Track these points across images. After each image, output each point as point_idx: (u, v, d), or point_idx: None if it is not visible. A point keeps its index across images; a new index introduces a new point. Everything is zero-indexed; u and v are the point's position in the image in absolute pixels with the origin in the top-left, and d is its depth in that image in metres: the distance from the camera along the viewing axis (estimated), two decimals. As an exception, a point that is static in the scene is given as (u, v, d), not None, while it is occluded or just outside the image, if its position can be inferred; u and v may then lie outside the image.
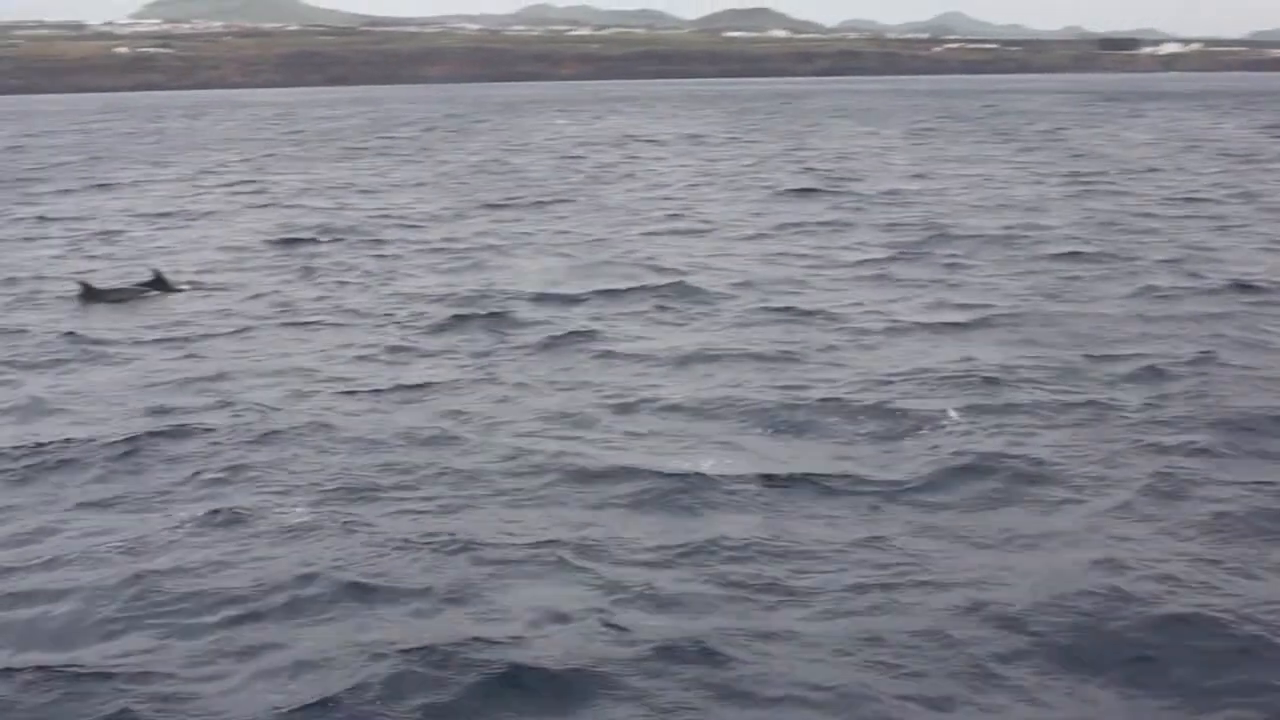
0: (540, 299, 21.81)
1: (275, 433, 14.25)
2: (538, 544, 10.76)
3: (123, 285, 24.28)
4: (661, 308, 20.99)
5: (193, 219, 36.50)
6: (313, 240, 30.41)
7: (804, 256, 26.53)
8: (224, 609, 9.73)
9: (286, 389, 16.31)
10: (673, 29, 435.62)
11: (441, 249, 28.67)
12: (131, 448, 13.79)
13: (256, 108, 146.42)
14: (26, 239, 33.13)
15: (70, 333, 20.16)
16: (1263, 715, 8.16)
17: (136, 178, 51.37)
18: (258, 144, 74.20)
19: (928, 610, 9.51)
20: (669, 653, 8.78)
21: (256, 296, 23.25)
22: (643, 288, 22.61)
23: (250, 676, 8.74)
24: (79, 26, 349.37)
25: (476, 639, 8.98)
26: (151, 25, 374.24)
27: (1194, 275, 22.94)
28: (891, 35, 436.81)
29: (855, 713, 8.21)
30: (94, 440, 14.11)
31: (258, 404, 15.55)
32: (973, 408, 14.49)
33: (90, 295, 23.20)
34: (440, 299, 22.08)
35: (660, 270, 24.62)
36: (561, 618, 9.38)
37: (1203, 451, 12.95)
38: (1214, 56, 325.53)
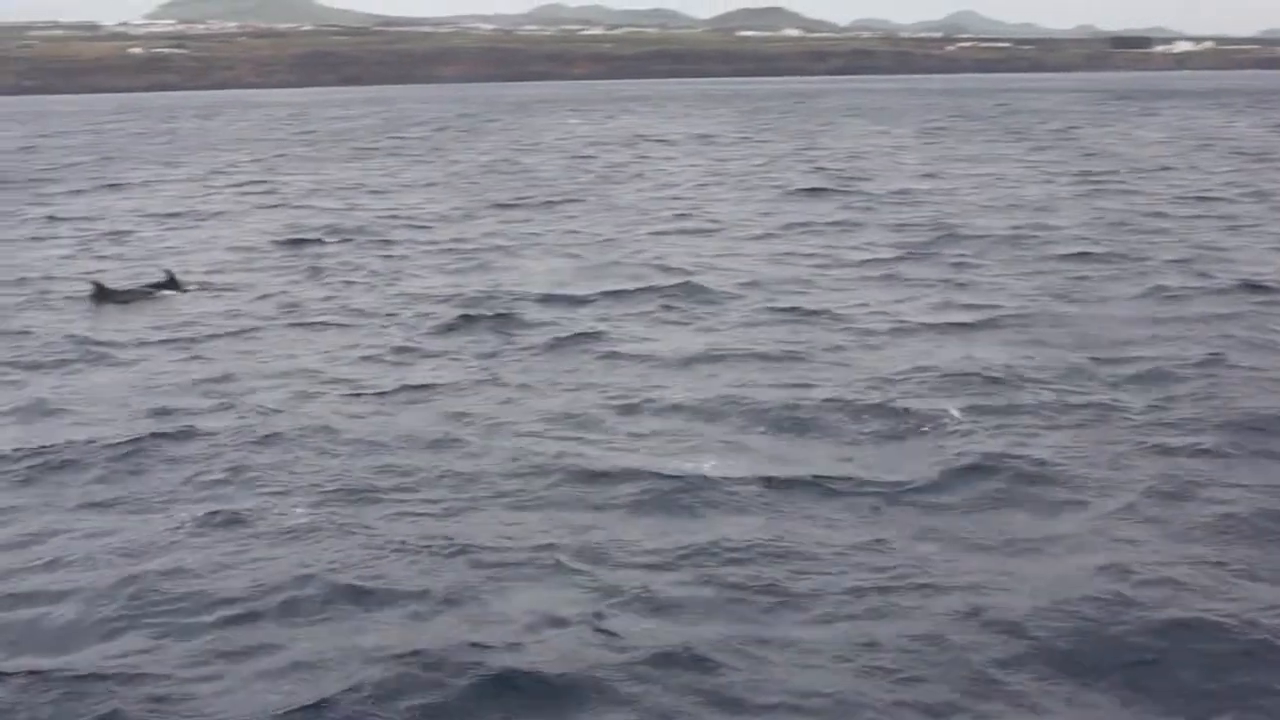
0: (547, 299, 21.77)
1: (277, 434, 14.24)
2: (536, 547, 10.73)
3: (134, 285, 24.32)
4: (668, 308, 20.95)
5: (202, 219, 36.56)
6: (321, 241, 30.41)
7: (812, 256, 26.46)
8: (221, 611, 9.71)
9: (290, 390, 16.30)
10: (686, 28, 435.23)
11: (450, 249, 28.65)
12: (134, 449, 13.80)
13: (270, 108, 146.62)
14: (36, 239, 33.23)
15: (78, 333, 20.22)
16: (1268, 721, 8.08)
17: (147, 178, 51.46)
18: (269, 144, 74.28)
19: (928, 615, 9.44)
20: (664, 659, 8.73)
21: (264, 297, 23.26)
22: (649, 288, 22.56)
23: (246, 678, 8.72)
24: (94, 27, 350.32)
25: (472, 643, 8.95)
26: (166, 26, 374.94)
27: (1204, 275, 22.79)
28: (904, 34, 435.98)
29: (851, 720, 8.15)
30: (97, 441, 14.12)
31: (261, 406, 15.55)
32: (978, 409, 14.41)
33: (102, 295, 23.26)
34: (447, 300, 22.05)
35: (667, 270, 24.57)
36: (557, 622, 9.33)
37: (1209, 453, 12.86)
38: (1226, 55, 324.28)
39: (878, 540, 10.88)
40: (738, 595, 9.80)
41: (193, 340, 19.61)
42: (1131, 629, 9.14)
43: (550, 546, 10.73)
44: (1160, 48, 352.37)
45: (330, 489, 12.34)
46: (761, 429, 14.14)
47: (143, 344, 19.47)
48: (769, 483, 12.21)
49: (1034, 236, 28.18)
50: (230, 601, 9.85)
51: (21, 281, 25.90)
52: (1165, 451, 12.94)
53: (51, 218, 37.61)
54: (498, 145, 68.39)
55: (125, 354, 18.89)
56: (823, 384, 15.84)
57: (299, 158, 62.19)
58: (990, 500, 11.79)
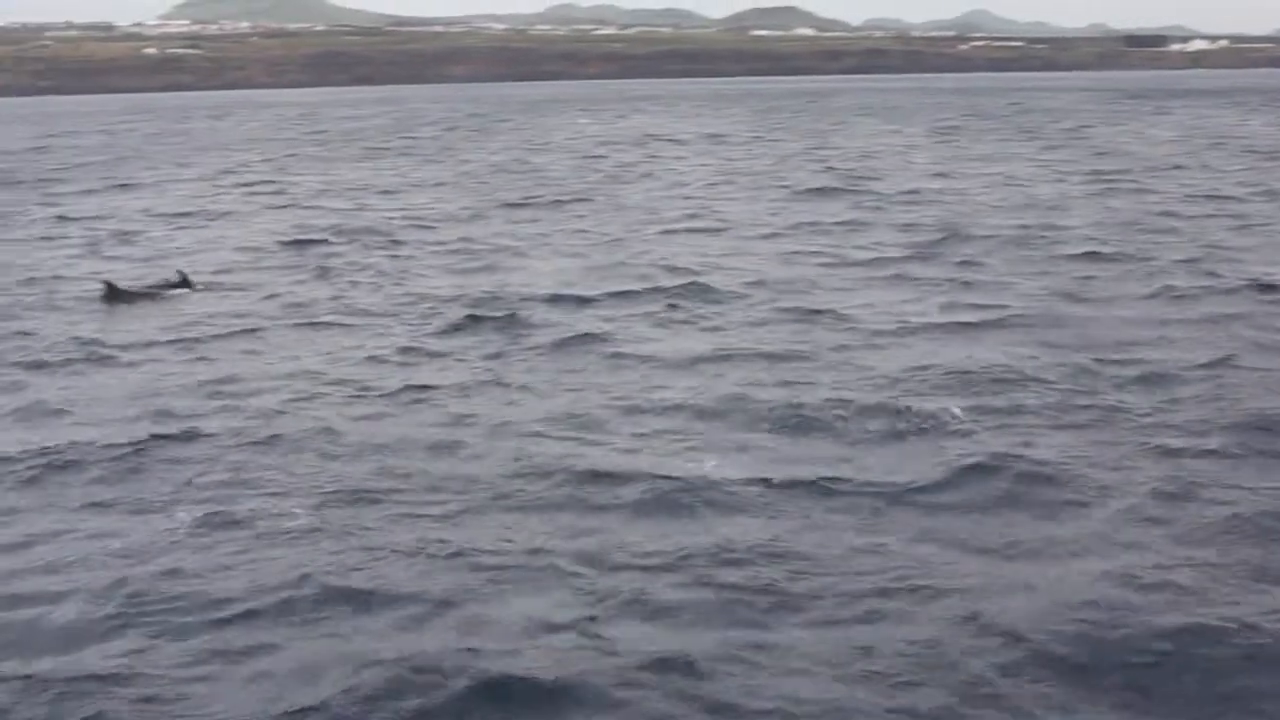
0: (553, 300, 21.72)
1: (279, 436, 14.23)
2: (535, 551, 10.69)
3: (146, 285, 24.35)
4: (673, 308, 20.90)
5: (212, 219, 36.63)
6: (329, 241, 30.40)
7: (820, 256, 26.38)
8: (218, 613, 9.71)
9: (294, 391, 16.29)
10: (698, 28, 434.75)
11: (457, 250, 28.62)
12: (137, 450, 13.80)
13: (281, 108, 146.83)
14: (46, 238, 33.37)
15: (87, 333, 20.31)
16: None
17: (158, 178, 51.55)
18: (280, 144, 74.35)
19: (927, 619, 9.37)
20: (658, 664, 8.68)
21: (271, 297, 23.27)
22: (656, 289, 22.53)
23: (241, 681, 8.72)
24: (108, 28, 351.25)
25: (467, 648, 8.92)
26: (180, 26, 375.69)
27: (1213, 275, 22.65)
28: (917, 33, 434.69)
29: (844, 727, 8.09)
30: (101, 442, 14.13)
31: (264, 407, 15.55)
32: (982, 409, 14.34)
33: (114, 295, 23.31)
34: (453, 300, 22.02)
35: (674, 270, 24.52)
36: (553, 627, 9.28)
37: (1215, 455, 12.78)
38: (1241, 53, 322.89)
39: (878, 542, 10.82)
40: (735, 599, 9.75)
41: (199, 341, 19.61)
42: (1135, 634, 9.05)
43: (549, 550, 10.69)
44: (1175, 46, 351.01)
45: (330, 491, 12.31)
46: (765, 430, 14.08)
47: (150, 344, 19.49)
48: (771, 484, 12.16)
49: (1043, 236, 28.05)
50: (227, 604, 9.84)
51: (31, 281, 25.99)
52: (1171, 453, 12.86)
53: (62, 217, 37.76)
54: (508, 145, 68.37)
55: (132, 355, 18.90)
56: (827, 384, 15.78)
57: (309, 158, 62.23)
58: (993, 502, 11.72)
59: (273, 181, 48.45)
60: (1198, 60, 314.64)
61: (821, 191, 39.52)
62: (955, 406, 14.45)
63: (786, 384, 15.87)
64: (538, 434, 14.10)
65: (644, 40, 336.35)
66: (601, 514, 11.59)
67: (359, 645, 9.07)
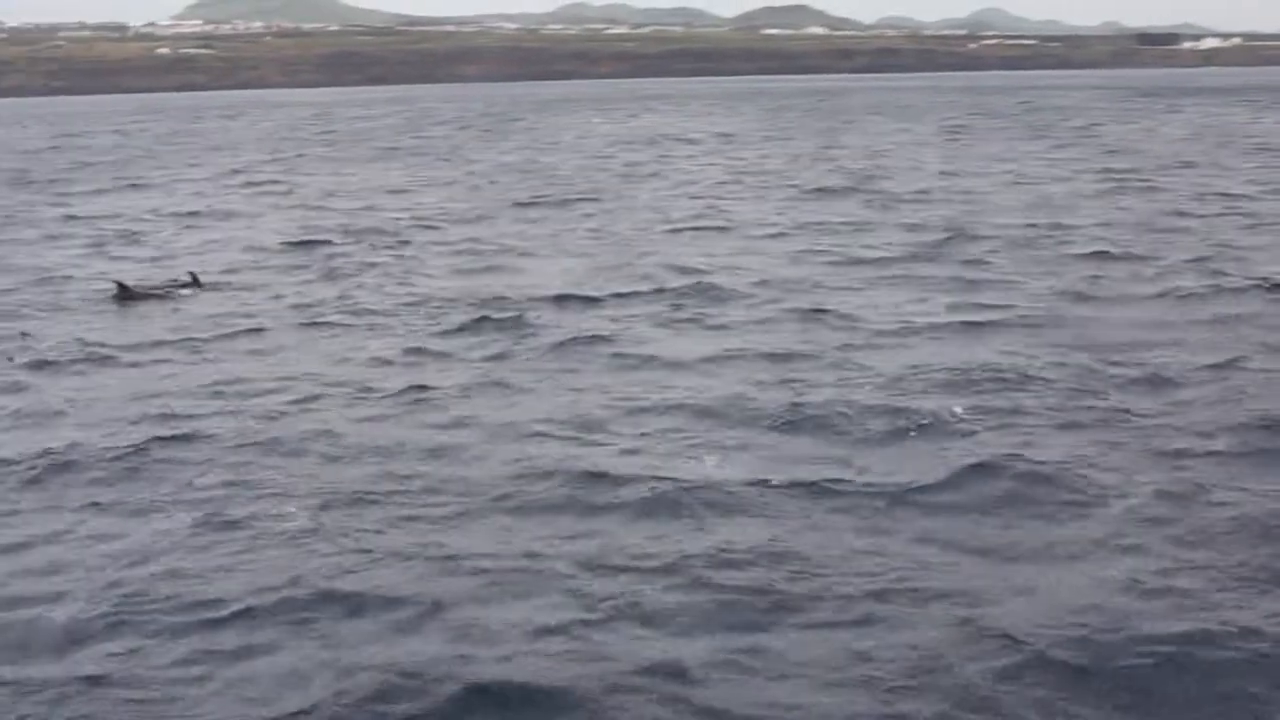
0: (559, 300, 21.65)
1: (281, 438, 14.19)
2: (532, 554, 10.61)
3: (157, 285, 24.41)
4: (678, 308, 20.85)
5: (221, 219, 36.70)
6: (338, 241, 30.41)
7: (827, 256, 26.30)
8: (213, 617, 9.64)
9: (297, 393, 16.24)
10: (710, 27, 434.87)
11: (464, 250, 28.59)
12: (138, 452, 13.76)
13: (293, 108, 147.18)
14: (55, 237, 33.43)
15: (93, 334, 20.31)
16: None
17: (169, 178, 51.68)
18: (291, 144, 74.52)
19: (926, 624, 9.26)
20: (653, 670, 8.60)
21: (278, 297, 23.28)
22: (662, 289, 22.47)
23: (231, 684, 8.66)
24: (121, 28, 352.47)
25: (458, 653, 8.86)
26: (193, 26, 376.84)
27: (1222, 275, 22.47)
28: (929, 32, 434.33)
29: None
30: (102, 443, 14.10)
31: (266, 408, 15.51)
32: (986, 411, 14.24)
33: (125, 294, 23.36)
34: (458, 300, 21.99)
35: (680, 270, 24.45)
36: (546, 632, 9.19)
37: (1222, 458, 12.64)
38: (1254, 51, 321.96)
39: (878, 544, 10.74)
40: (733, 602, 9.66)
41: (205, 341, 19.60)
42: (1137, 638, 8.93)
43: (546, 553, 10.62)
44: (1187, 44, 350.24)
45: (329, 493, 12.25)
46: (767, 430, 14.00)
47: (156, 344, 19.47)
48: (771, 485, 12.08)
49: (1051, 236, 27.93)
50: (223, 607, 9.78)
51: (39, 280, 26.04)
52: (1175, 455, 12.72)
53: (71, 216, 37.92)
54: (519, 144, 68.40)
55: (137, 355, 18.89)
56: (830, 384, 15.71)
57: (320, 158, 62.32)
58: (995, 504, 11.62)
59: (283, 181, 48.54)
60: (1210, 58, 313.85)
61: (831, 191, 39.43)
62: (959, 407, 14.36)
63: (790, 384, 15.80)
64: (539, 435, 14.04)
65: (655, 39, 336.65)
66: (600, 516, 11.52)
67: (351, 649, 9.01)
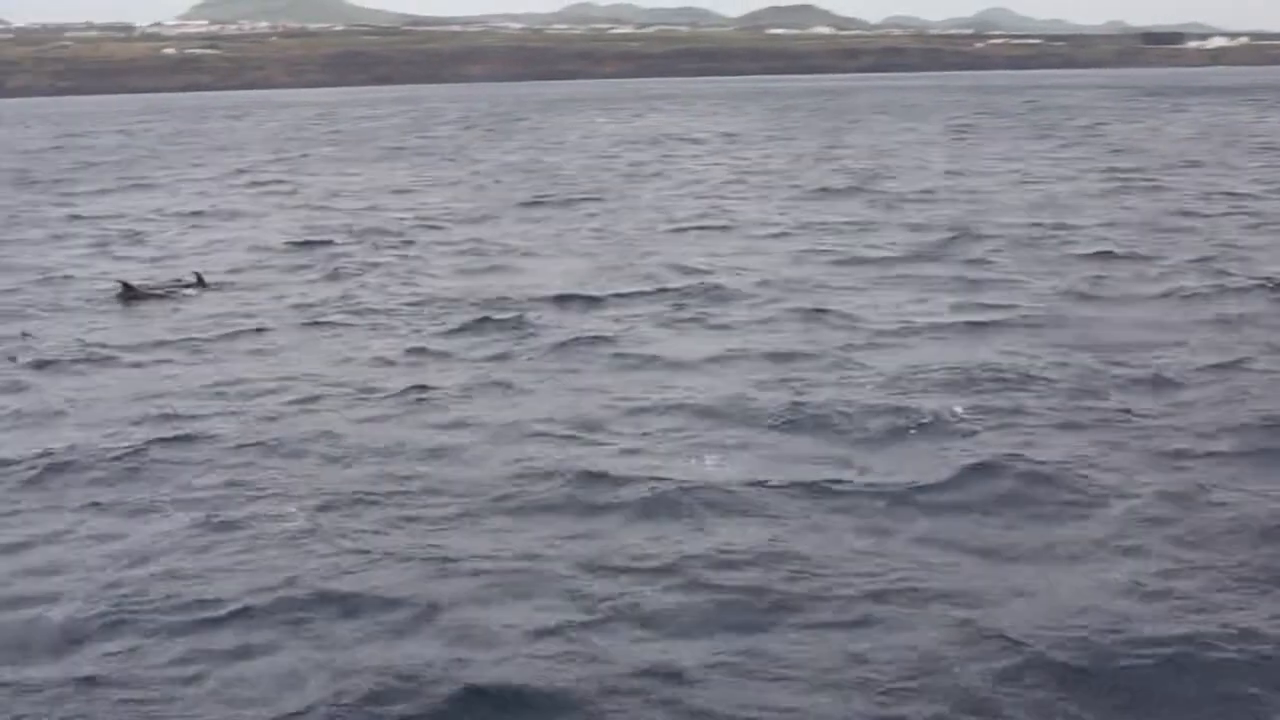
0: (561, 300, 21.61)
1: (282, 438, 14.16)
2: (530, 555, 10.58)
3: (162, 284, 24.42)
4: (680, 308, 20.81)
5: (224, 219, 36.72)
6: (341, 241, 30.39)
7: (830, 256, 26.24)
8: (209, 618, 9.62)
9: (298, 393, 16.22)
10: (715, 26, 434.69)
11: (467, 250, 28.56)
12: (139, 452, 13.75)
13: (299, 108, 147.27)
14: (59, 237, 33.45)
15: (96, 334, 20.33)
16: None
17: (173, 178, 51.71)
18: (296, 144, 74.54)
19: (926, 625, 9.21)
20: (647, 673, 8.55)
21: (280, 298, 23.28)
22: (664, 289, 22.44)
23: (226, 686, 8.64)
24: (127, 28, 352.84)
25: (454, 655, 8.83)
26: (198, 26, 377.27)
27: (1226, 275, 22.38)
28: (935, 31, 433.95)
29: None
30: (104, 444, 14.09)
31: (268, 409, 15.51)
32: (988, 411, 14.18)
33: (130, 294, 23.37)
34: (461, 301, 21.96)
35: (683, 270, 24.42)
36: (543, 634, 9.14)
37: (1224, 459, 12.58)
38: (1261, 50, 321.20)
39: (877, 546, 10.70)
40: (731, 604, 9.62)
41: (208, 341, 19.60)
42: (1137, 641, 8.88)
43: (544, 554, 10.59)
44: (1193, 43, 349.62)
45: (329, 494, 12.22)
46: (768, 431, 13.95)
47: (159, 344, 19.48)
48: (771, 485, 12.04)
49: (1055, 235, 27.84)
50: (220, 609, 9.75)
51: (43, 280, 26.08)
52: (1178, 457, 12.66)
53: (75, 216, 37.94)
54: (523, 144, 68.40)
55: (140, 355, 18.89)
56: (832, 384, 15.68)
57: (324, 158, 62.33)
58: (996, 505, 11.57)
59: (287, 181, 48.56)
60: (1216, 57, 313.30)
61: (835, 191, 39.37)
62: (961, 407, 14.31)
63: (791, 384, 15.76)
64: (540, 435, 14.01)
65: (661, 39, 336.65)
66: (599, 517, 11.48)
67: (348, 651, 8.98)
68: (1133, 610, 9.36)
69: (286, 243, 30.45)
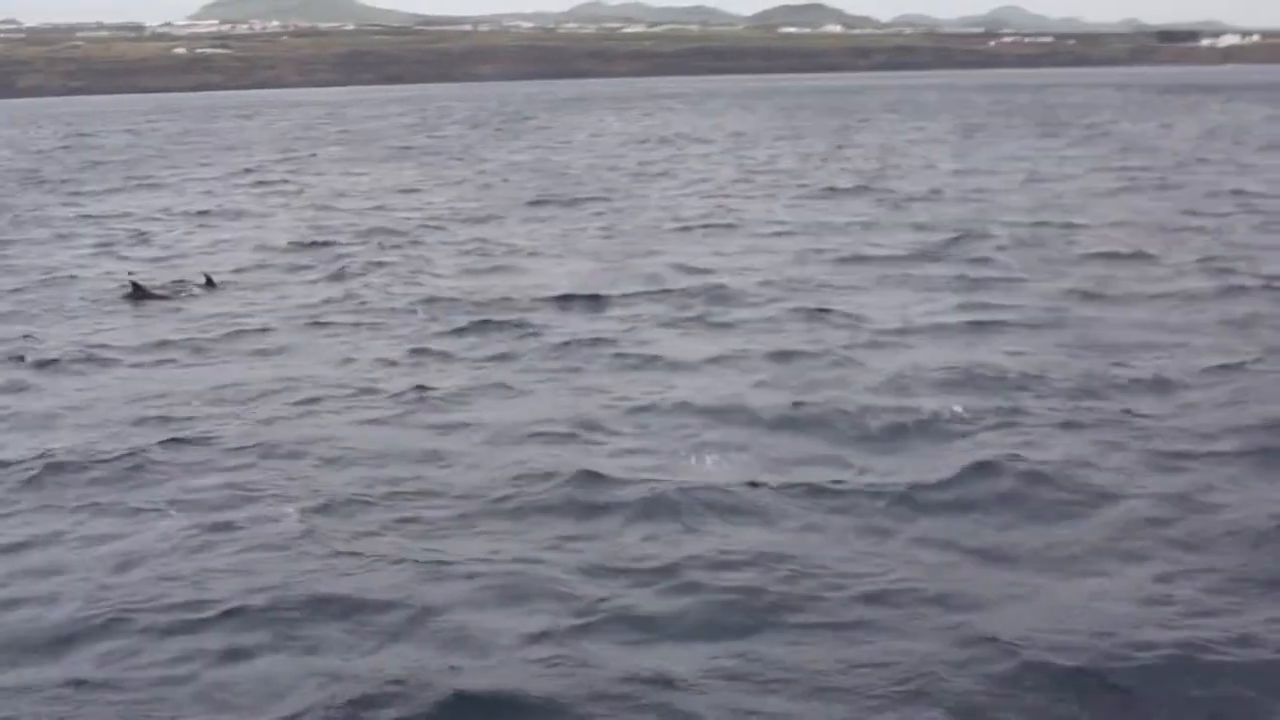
0: (564, 300, 21.54)
1: (282, 439, 14.11)
2: (527, 559, 10.49)
3: (169, 284, 24.43)
4: (684, 308, 20.75)
5: (230, 219, 36.75)
6: (347, 241, 30.36)
7: (835, 255, 26.15)
8: (200, 620, 9.55)
9: (299, 394, 16.16)
10: (726, 25, 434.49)
11: (472, 250, 28.52)
12: (139, 453, 13.66)
13: (309, 107, 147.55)
14: (64, 236, 33.55)
15: (103, 334, 20.32)
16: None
17: (179, 178, 51.80)
18: (305, 143, 74.66)
19: (924, 630, 9.11)
20: (640, 679, 8.45)
21: (283, 298, 23.26)
22: (667, 289, 22.38)
23: (216, 689, 8.57)
24: (138, 28, 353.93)
25: (444, 661, 8.75)
26: (209, 26, 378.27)
27: (1233, 275, 22.25)
28: (946, 30, 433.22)
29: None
30: (105, 445, 14.02)
31: (269, 409, 15.47)
32: (989, 412, 14.07)
33: (138, 294, 23.40)
34: (464, 301, 21.91)
35: (687, 270, 24.35)
36: (536, 640, 9.04)
37: (1227, 462, 12.45)
38: (1275, 48, 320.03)
39: (877, 549, 10.61)
40: (730, 608, 9.52)
41: (212, 341, 19.58)
42: (1137, 646, 8.77)
43: (540, 558, 10.50)
44: (1206, 41, 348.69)
45: (327, 497, 12.14)
46: (769, 432, 13.88)
47: (165, 345, 19.41)
48: (771, 488, 11.94)
49: (1062, 235, 27.71)
50: (211, 612, 9.67)
51: (49, 281, 26.07)
52: (1180, 459, 12.53)
53: (82, 215, 37.99)
54: (531, 144, 68.41)
55: (145, 356, 18.86)
56: (833, 385, 15.60)
57: (332, 158, 62.39)
58: (995, 507, 11.46)
59: (295, 181, 48.61)
60: (1230, 55, 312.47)
61: (843, 190, 39.28)
62: (962, 408, 14.20)
63: (793, 384, 15.70)
64: (539, 436, 13.93)
65: (672, 38, 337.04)
66: (597, 519, 11.41)
67: (338, 656, 8.92)
68: (1132, 614, 9.27)
69: (292, 243, 30.44)
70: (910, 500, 11.62)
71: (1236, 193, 35.11)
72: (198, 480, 12.82)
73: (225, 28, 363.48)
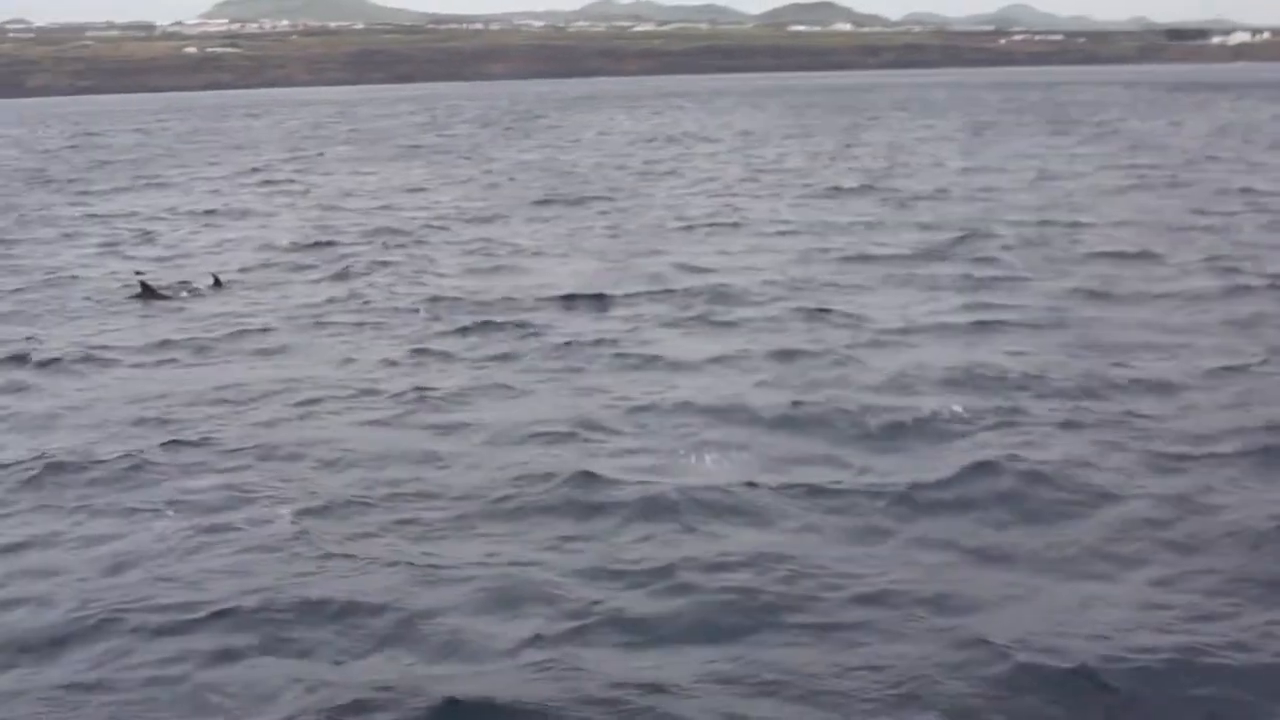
0: (568, 300, 21.49)
1: (281, 440, 14.10)
2: (524, 562, 10.44)
3: (177, 284, 24.45)
4: (686, 307, 20.70)
5: (236, 218, 36.77)
6: (350, 241, 30.35)
7: (840, 254, 26.09)
8: (193, 622, 9.52)
9: (300, 395, 16.14)
10: (736, 24, 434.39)
11: (477, 250, 28.49)
12: (135, 455, 13.63)
13: (318, 106, 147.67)
14: (70, 236, 33.59)
15: (107, 334, 20.33)
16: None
17: (187, 177, 51.85)
18: (313, 142, 74.73)
19: (922, 633, 9.05)
20: (633, 684, 8.39)
21: (287, 298, 23.26)
22: (670, 289, 22.33)
23: (208, 691, 8.54)
24: (148, 27, 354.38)
25: (436, 666, 8.71)
26: (219, 25, 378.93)
27: (1239, 274, 22.14)
28: (956, 28, 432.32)
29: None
30: (106, 446, 14.02)
31: (269, 410, 15.47)
32: (991, 413, 14.01)
33: (147, 294, 23.44)
34: (466, 301, 21.87)
35: (691, 270, 24.31)
36: (529, 645, 8.98)
37: (1229, 464, 12.36)
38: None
39: (875, 550, 10.56)
40: (727, 610, 9.47)
41: (216, 341, 19.58)
42: (1136, 649, 8.71)
43: (539, 561, 10.45)
44: (1216, 39, 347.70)
45: (323, 499, 12.09)
46: (770, 432, 13.83)
47: (169, 345, 19.42)
48: (771, 489, 11.88)
49: (1068, 234, 27.59)
50: (204, 614, 9.63)
51: (55, 280, 26.10)
52: (1182, 461, 12.46)
53: (88, 215, 38.01)
54: (540, 143, 68.40)
55: (150, 356, 18.88)
56: (835, 385, 15.55)
57: (340, 157, 62.41)
58: (995, 508, 11.40)
59: (302, 180, 48.63)
60: (1240, 53, 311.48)
61: (849, 189, 39.18)
62: (964, 409, 14.13)
63: (794, 384, 15.65)
64: (539, 437, 13.88)
65: (682, 37, 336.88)
66: (594, 521, 11.36)
67: (328, 660, 8.88)
68: (1130, 616, 9.22)
69: (297, 242, 30.43)
70: (909, 500, 11.57)
71: (1245, 191, 34.98)
72: (195, 481, 12.80)
73: (236, 27, 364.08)
